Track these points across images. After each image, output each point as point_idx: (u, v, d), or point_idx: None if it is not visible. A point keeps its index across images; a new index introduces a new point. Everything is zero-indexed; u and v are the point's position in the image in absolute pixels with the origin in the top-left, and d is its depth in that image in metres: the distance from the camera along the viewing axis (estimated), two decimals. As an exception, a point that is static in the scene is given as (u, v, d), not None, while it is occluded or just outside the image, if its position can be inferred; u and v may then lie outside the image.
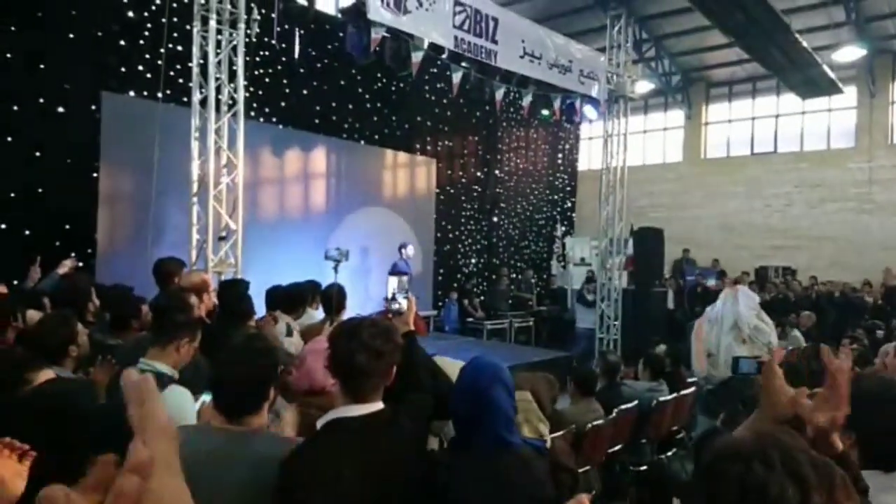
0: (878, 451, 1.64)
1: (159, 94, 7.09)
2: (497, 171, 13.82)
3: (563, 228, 15.46)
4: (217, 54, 6.02)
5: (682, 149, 16.11)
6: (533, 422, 2.60)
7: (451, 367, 2.31)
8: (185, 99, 6.45)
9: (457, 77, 8.30)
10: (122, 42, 7.39)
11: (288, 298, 4.64)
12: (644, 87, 13.79)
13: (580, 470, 4.09)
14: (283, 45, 8.13)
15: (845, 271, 12.46)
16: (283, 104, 9.33)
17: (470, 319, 11.76)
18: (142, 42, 7.44)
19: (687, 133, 15.99)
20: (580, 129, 16.26)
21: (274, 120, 9.36)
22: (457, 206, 12.82)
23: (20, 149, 6.65)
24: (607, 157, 10.58)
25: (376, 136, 10.91)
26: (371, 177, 10.99)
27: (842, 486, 0.92)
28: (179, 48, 7.03)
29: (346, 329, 1.80)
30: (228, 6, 6.05)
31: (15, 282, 5.45)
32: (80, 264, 5.69)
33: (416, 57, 7.42)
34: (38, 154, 6.80)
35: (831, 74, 11.02)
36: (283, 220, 9.66)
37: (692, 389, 5.67)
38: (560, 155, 15.86)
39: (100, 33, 7.22)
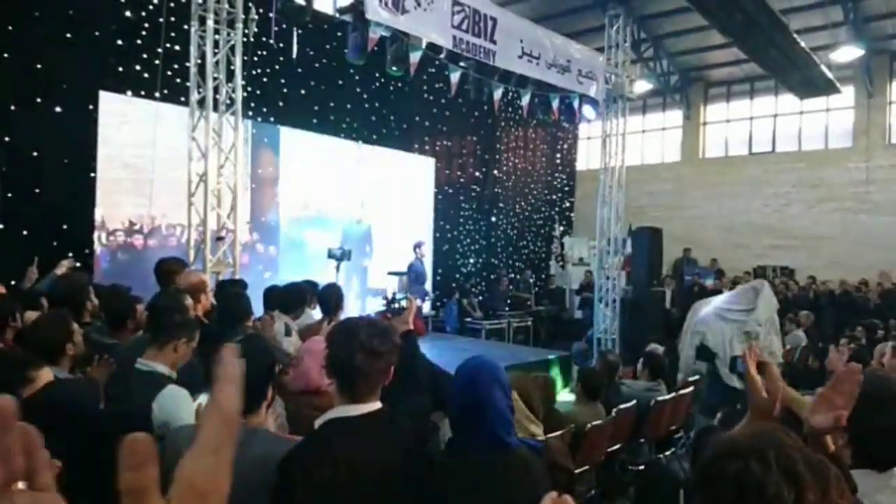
0: (871, 450, 1.64)
1: (157, 94, 7.11)
2: (495, 171, 13.82)
3: (562, 228, 15.48)
4: (215, 54, 6.01)
5: (680, 149, 16.12)
6: (522, 422, 2.60)
7: None
8: (183, 99, 6.45)
9: (455, 77, 8.29)
10: (120, 42, 7.39)
11: (286, 298, 4.63)
12: (642, 86, 13.80)
13: (579, 470, 4.10)
14: (281, 45, 8.13)
15: (843, 271, 12.47)
16: (280, 104, 9.32)
17: (469, 319, 11.76)
18: (139, 42, 7.43)
19: (685, 133, 16.00)
20: (578, 128, 16.26)
21: (272, 120, 9.35)
22: (455, 205, 12.83)
23: (18, 148, 6.64)
24: (606, 156, 10.58)
25: (374, 136, 10.91)
26: (369, 176, 10.98)
27: (836, 484, 0.93)
28: (177, 48, 7.02)
29: (344, 329, 1.80)
30: (226, 6, 6.04)
31: (13, 282, 5.44)
32: (78, 264, 5.68)
33: (414, 57, 7.42)
34: (35, 154, 6.79)
35: (829, 74, 11.03)
36: (283, 220, 9.66)
37: (690, 389, 5.67)
38: (558, 155, 15.87)
39: (97, 33, 7.21)
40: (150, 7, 7.39)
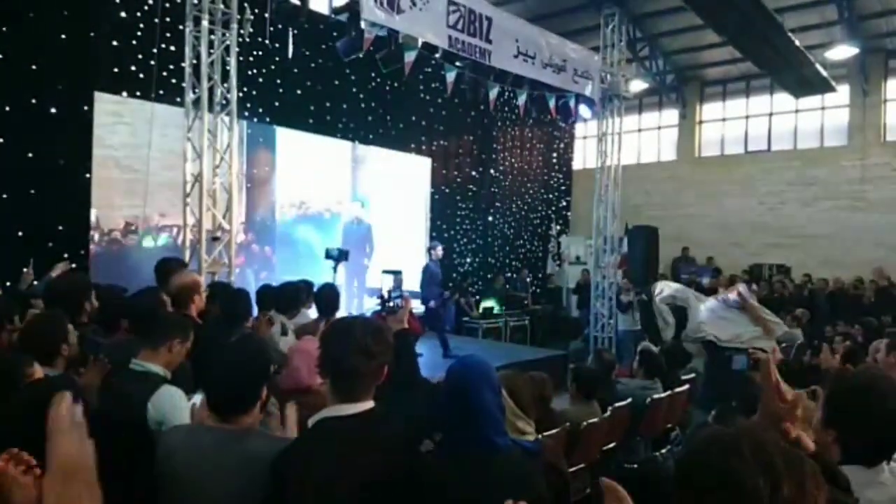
0: (859, 445, 1.65)
1: (152, 95, 7.10)
2: (492, 171, 13.83)
3: (559, 227, 15.50)
4: (210, 54, 6.01)
5: (676, 147, 16.15)
6: (511, 419, 2.60)
7: None
8: (179, 99, 6.45)
9: (451, 76, 8.31)
10: (115, 42, 7.38)
11: (280, 298, 4.65)
12: (638, 85, 13.82)
13: (574, 468, 4.11)
14: (277, 45, 8.13)
15: (838, 269, 12.51)
16: (276, 104, 9.32)
17: (465, 318, 11.77)
18: (134, 42, 7.42)
19: (681, 132, 16.02)
20: (575, 128, 16.29)
21: (268, 120, 9.35)
22: (452, 205, 12.83)
23: (13, 150, 6.63)
24: (602, 156, 10.61)
25: (371, 136, 10.91)
26: (366, 177, 10.99)
27: (812, 478, 0.95)
28: (172, 48, 7.02)
29: (338, 329, 1.80)
30: (221, 6, 6.03)
31: (8, 283, 5.44)
32: (74, 265, 5.68)
33: (410, 56, 7.44)
34: (30, 155, 6.78)
35: (824, 73, 11.06)
36: (278, 220, 9.66)
37: (686, 387, 5.69)
38: (555, 154, 15.89)
39: (92, 34, 7.20)
40: (146, 8, 7.38)
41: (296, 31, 8.58)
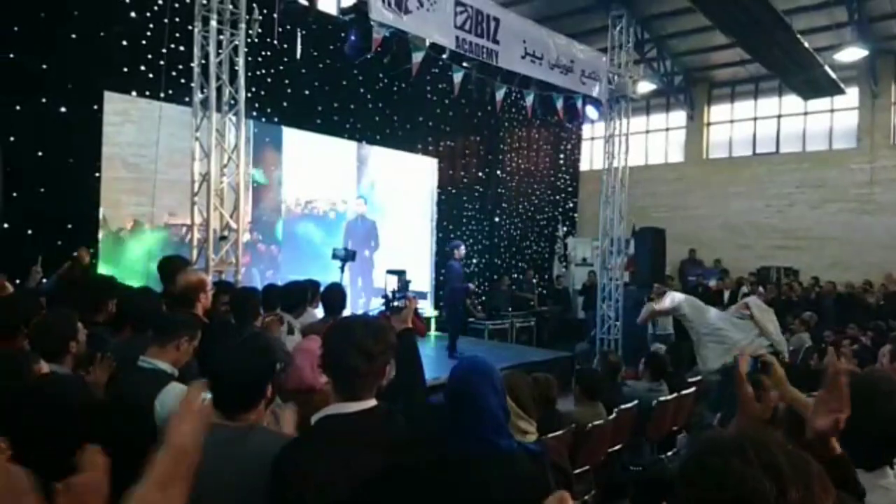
0: (859, 448, 1.63)
1: (161, 94, 7.14)
2: (499, 172, 13.83)
3: (565, 229, 15.48)
4: (218, 54, 6.05)
5: (683, 149, 16.09)
6: (512, 420, 2.59)
7: None
8: (187, 99, 6.48)
9: (458, 77, 8.32)
10: (125, 42, 7.41)
11: (285, 297, 4.66)
12: (646, 87, 13.78)
13: (578, 470, 4.11)
14: (285, 45, 8.16)
15: (847, 271, 12.44)
16: (284, 104, 9.35)
17: (471, 319, 11.77)
18: (144, 42, 7.46)
19: (689, 133, 15.97)
20: (582, 129, 16.25)
21: (276, 120, 9.38)
22: (458, 206, 12.83)
23: (23, 148, 6.68)
24: (609, 157, 10.59)
25: (377, 136, 10.93)
26: (372, 177, 11.01)
27: (819, 480, 0.94)
28: (181, 48, 7.06)
29: (339, 328, 1.81)
30: (229, 6, 6.07)
31: (17, 281, 5.48)
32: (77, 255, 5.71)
33: (417, 57, 7.45)
34: (40, 153, 6.82)
35: (833, 75, 11.00)
36: (287, 220, 9.69)
37: (693, 389, 5.67)
38: (562, 155, 15.86)
39: (102, 33, 7.24)
40: (155, 8, 7.43)
41: (304, 32, 8.61)
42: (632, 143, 10.87)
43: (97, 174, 7.35)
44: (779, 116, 14.72)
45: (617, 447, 4.63)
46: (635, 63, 11.15)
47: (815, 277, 12.49)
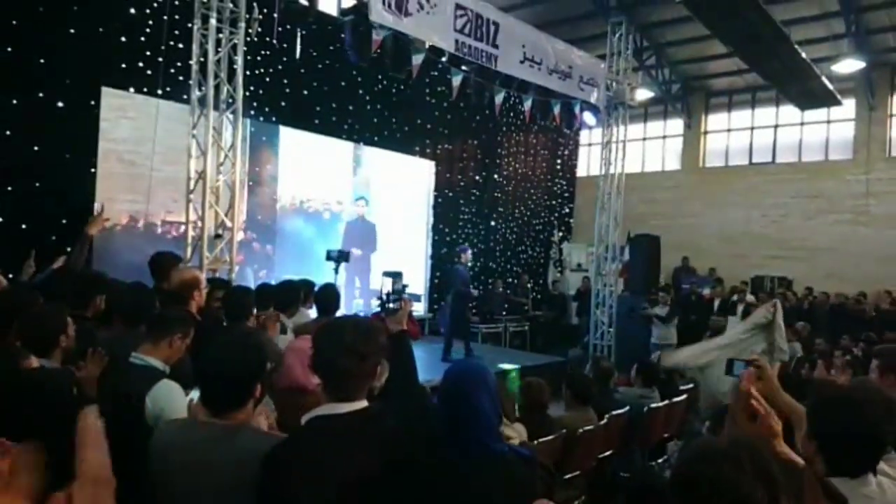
0: (841, 456, 1.64)
1: (159, 91, 7.12)
2: (496, 176, 13.84)
3: (561, 234, 15.50)
4: (217, 52, 6.04)
5: (680, 157, 16.16)
6: None
7: None
8: (185, 96, 6.47)
9: (457, 80, 8.34)
10: (123, 38, 7.40)
11: (279, 296, 4.65)
12: (644, 94, 13.83)
13: (569, 475, 4.11)
14: (284, 45, 8.16)
15: (841, 283, 12.49)
16: (282, 104, 9.34)
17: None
18: (143, 39, 7.44)
19: (686, 141, 16.03)
20: (579, 135, 16.30)
21: (273, 119, 9.37)
22: (454, 209, 12.83)
23: (19, 142, 6.65)
24: (606, 163, 10.62)
25: (375, 138, 10.93)
26: (368, 178, 11.00)
27: (810, 489, 0.94)
28: (180, 45, 7.05)
29: (329, 329, 1.80)
30: (229, 5, 6.07)
31: (10, 275, 5.45)
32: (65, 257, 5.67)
33: (417, 59, 7.46)
34: (36, 148, 6.80)
35: (830, 86, 11.06)
36: (282, 220, 9.68)
37: (684, 397, 5.67)
38: (559, 161, 15.89)
39: (101, 29, 7.22)
40: (155, 5, 7.42)
41: (303, 32, 8.61)
42: (629, 150, 10.90)
43: (93, 170, 7.33)
44: (775, 126, 14.79)
45: (607, 453, 4.63)
46: (634, 70, 11.18)
47: (808, 288, 12.53)
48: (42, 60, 6.80)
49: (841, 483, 1.53)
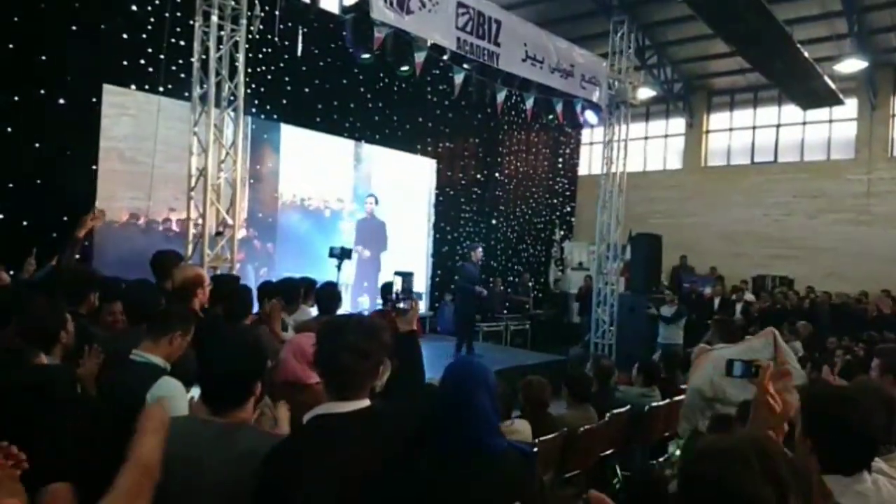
0: (835, 454, 1.65)
1: (160, 88, 7.12)
2: (497, 174, 13.83)
3: (562, 232, 15.49)
4: (218, 50, 6.03)
5: (682, 156, 16.13)
6: None
7: None
8: (186, 94, 6.46)
9: (459, 78, 8.33)
10: (125, 35, 7.39)
11: (281, 294, 4.64)
12: (646, 93, 13.78)
13: (570, 474, 4.11)
14: (286, 43, 8.14)
15: (842, 282, 12.47)
16: (284, 101, 9.34)
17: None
18: (144, 36, 7.44)
19: (688, 141, 16.01)
20: (581, 133, 16.29)
21: (275, 117, 9.37)
22: (455, 207, 12.83)
23: (20, 139, 6.65)
24: (607, 162, 10.60)
25: (377, 136, 10.92)
26: (369, 175, 11.00)
27: (818, 492, 0.94)
28: (181, 43, 7.03)
29: (332, 327, 1.79)
30: (231, 2, 6.06)
31: (12, 272, 5.45)
32: (77, 256, 5.67)
33: (419, 57, 7.45)
34: (37, 145, 6.79)
35: (832, 86, 11.03)
36: (283, 218, 9.68)
37: (685, 396, 5.65)
38: (560, 159, 15.88)
39: (102, 26, 7.22)
40: (156, 2, 7.40)
41: (305, 30, 8.59)
42: (630, 149, 10.90)
43: (94, 167, 7.33)
44: (777, 126, 14.77)
45: (608, 452, 4.63)
46: (636, 69, 11.17)
47: (810, 287, 12.52)
48: (43, 57, 6.79)
49: (835, 481, 1.54)
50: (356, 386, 1.72)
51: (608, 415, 4.55)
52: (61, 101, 6.96)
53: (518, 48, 8.21)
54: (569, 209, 16.15)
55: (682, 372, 6.30)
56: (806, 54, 9.81)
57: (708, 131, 15.85)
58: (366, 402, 1.74)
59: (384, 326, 1.81)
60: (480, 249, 9.24)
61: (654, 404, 5.11)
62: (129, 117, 7.54)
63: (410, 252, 11.39)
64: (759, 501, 0.91)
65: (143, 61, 7.48)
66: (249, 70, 6.64)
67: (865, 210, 13.20)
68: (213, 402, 1.79)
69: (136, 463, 1.18)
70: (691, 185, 15.64)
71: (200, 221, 6.07)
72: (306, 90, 9.57)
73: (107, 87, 7.37)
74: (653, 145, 16.63)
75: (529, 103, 9.38)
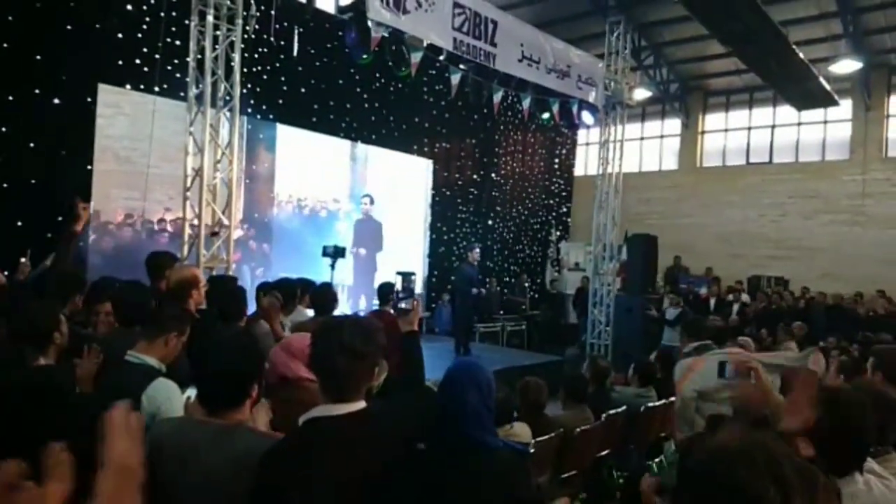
0: (826, 455, 1.65)
1: (156, 88, 7.10)
2: (493, 174, 13.83)
3: (558, 233, 15.50)
4: (214, 50, 6.01)
5: (678, 157, 16.16)
6: None
7: None
8: (182, 93, 6.45)
9: (455, 79, 8.32)
10: (120, 35, 7.38)
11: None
12: (642, 94, 13.84)
13: (566, 474, 4.11)
14: (282, 43, 8.13)
15: (837, 283, 12.51)
16: (280, 101, 9.32)
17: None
18: (139, 36, 7.42)
19: (683, 141, 16.04)
20: (577, 134, 16.30)
21: (271, 117, 9.35)
22: (452, 208, 12.83)
23: (14, 139, 6.62)
24: (603, 163, 10.62)
25: (373, 136, 10.91)
26: (365, 176, 10.98)
27: (824, 491, 0.93)
28: (177, 43, 7.02)
29: (327, 329, 1.78)
30: (227, 2, 6.05)
31: (6, 273, 5.42)
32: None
33: (416, 57, 7.45)
34: (32, 145, 6.77)
35: (827, 87, 11.08)
36: (279, 218, 9.66)
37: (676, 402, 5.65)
38: (557, 160, 15.90)
39: (98, 26, 7.20)
40: (151, 1, 7.39)
41: (301, 29, 8.58)
42: (626, 149, 10.91)
43: (89, 167, 7.30)
44: (773, 127, 14.81)
45: (605, 452, 4.63)
46: (632, 70, 11.18)
47: (805, 288, 12.55)
48: (38, 57, 6.77)
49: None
50: (351, 388, 1.71)
51: (604, 415, 4.55)
52: (56, 100, 6.94)
53: (514, 49, 8.21)
54: (565, 210, 16.17)
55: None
56: (801, 55, 9.85)
57: (704, 132, 15.88)
58: (361, 405, 1.73)
59: (380, 328, 1.80)
60: (478, 250, 9.23)
61: (651, 405, 5.10)
62: (124, 117, 7.52)
63: (407, 252, 11.38)
64: (764, 501, 0.90)
65: (138, 61, 7.47)
66: (245, 70, 6.62)
67: (860, 211, 13.25)
68: (210, 403, 1.79)
69: (112, 468, 1.17)
70: (687, 185, 15.67)
71: (196, 222, 6.06)
72: (302, 90, 9.55)
73: (102, 87, 7.35)
74: (649, 146, 16.66)
75: (526, 104, 9.38)
